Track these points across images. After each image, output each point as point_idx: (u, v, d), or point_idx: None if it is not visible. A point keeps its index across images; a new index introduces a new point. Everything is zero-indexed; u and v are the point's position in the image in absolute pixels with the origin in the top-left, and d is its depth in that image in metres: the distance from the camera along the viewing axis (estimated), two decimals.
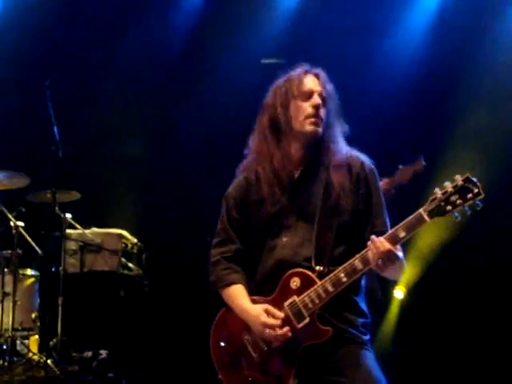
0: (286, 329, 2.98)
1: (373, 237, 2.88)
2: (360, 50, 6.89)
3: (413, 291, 6.74)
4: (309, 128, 3.08)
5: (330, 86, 3.14)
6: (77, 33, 7.15)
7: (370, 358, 3.08)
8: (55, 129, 5.96)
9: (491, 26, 6.77)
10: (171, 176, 7.20)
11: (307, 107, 3.08)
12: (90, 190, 6.69)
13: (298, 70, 3.14)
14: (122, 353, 6.15)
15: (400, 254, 2.91)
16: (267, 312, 3.02)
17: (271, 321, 3.00)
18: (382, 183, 5.40)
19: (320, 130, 3.09)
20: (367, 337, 3.14)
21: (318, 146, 3.13)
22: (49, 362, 5.54)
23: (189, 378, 6.42)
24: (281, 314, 3.00)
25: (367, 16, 6.92)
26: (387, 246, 2.84)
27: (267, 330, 2.99)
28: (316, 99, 3.08)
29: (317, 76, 3.13)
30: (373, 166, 3.19)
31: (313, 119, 3.08)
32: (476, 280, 6.65)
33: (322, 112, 3.09)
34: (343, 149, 3.16)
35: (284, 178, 3.11)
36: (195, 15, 7.32)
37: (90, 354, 5.87)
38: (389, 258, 2.85)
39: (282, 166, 3.10)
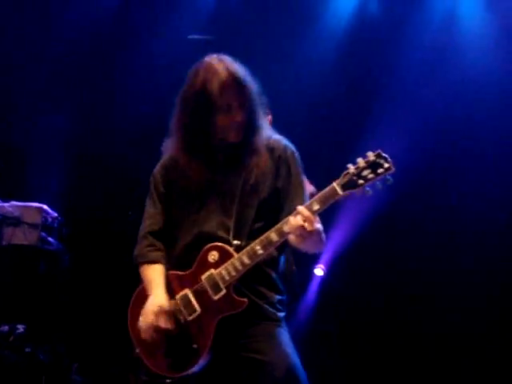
0: (155, 336, 3.07)
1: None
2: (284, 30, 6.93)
3: (333, 269, 6.86)
4: (231, 138, 3.15)
5: (249, 84, 3.13)
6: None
7: (283, 335, 3.16)
8: None
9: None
10: (94, 150, 7.11)
11: (228, 122, 3.10)
12: (9, 162, 6.56)
13: (213, 74, 3.08)
14: (40, 327, 6.08)
15: (319, 225, 2.99)
16: (161, 312, 3.08)
17: (160, 321, 3.07)
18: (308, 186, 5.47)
19: (242, 135, 3.14)
20: (282, 314, 3.22)
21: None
22: None
23: (109, 353, 6.41)
24: (167, 325, 3.07)
25: None
26: (307, 213, 2.91)
27: (148, 319, 3.08)
28: (236, 115, 3.10)
29: (235, 79, 3.09)
30: (294, 149, 3.27)
31: (234, 132, 3.13)
32: (398, 257, 6.81)
33: (243, 117, 3.12)
34: (266, 133, 3.23)
35: (209, 157, 3.16)
36: None
37: (6, 328, 5.77)
38: (307, 230, 2.90)
39: (208, 146, 3.15)
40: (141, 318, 3.13)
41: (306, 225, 2.90)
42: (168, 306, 3.10)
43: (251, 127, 3.16)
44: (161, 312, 3.08)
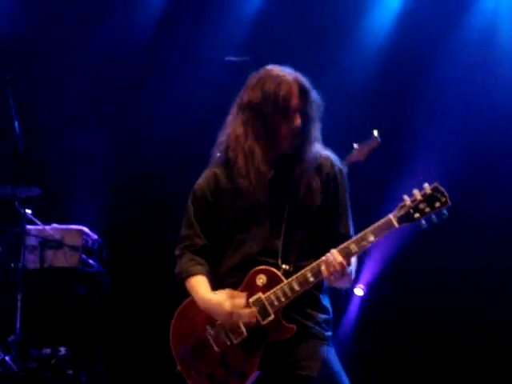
0: (251, 310, 3.00)
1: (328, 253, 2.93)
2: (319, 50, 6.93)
3: (373, 289, 6.81)
4: (286, 146, 3.09)
5: (309, 94, 3.09)
6: (37, 25, 7.08)
7: (330, 353, 3.13)
8: (16, 123, 5.90)
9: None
10: (133, 172, 7.16)
11: (286, 128, 3.06)
12: (50, 185, 6.63)
13: (278, 79, 3.04)
14: (82, 350, 6.11)
15: (350, 268, 2.99)
16: (231, 296, 3.04)
17: (236, 302, 3.02)
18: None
19: (297, 143, 3.10)
20: (329, 333, 3.18)
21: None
22: (7, 359, 5.49)
23: (149, 374, 6.41)
24: (244, 297, 3.02)
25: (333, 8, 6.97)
26: (339, 259, 2.91)
27: (234, 312, 3.01)
28: (296, 121, 3.05)
29: (300, 84, 3.07)
30: (342, 167, 3.23)
31: (291, 140, 3.08)
32: (435, 277, 6.74)
33: (300, 125, 3.07)
34: (316, 149, 3.17)
35: (259, 174, 3.08)
36: (159, 10, 7.31)
37: (48, 350, 5.82)
38: (339, 273, 2.92)
39: (259, 162, 3.07)
40: (213, 326, 3.06)
41: (339, 269, 2.91)
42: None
43: (307, 137, 3.09)
44: (234, 292, 3.04)
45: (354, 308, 6.85)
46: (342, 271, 2.92)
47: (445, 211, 2.88)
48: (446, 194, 2.88)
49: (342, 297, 5.77)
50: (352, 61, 6.97)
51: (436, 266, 6.76)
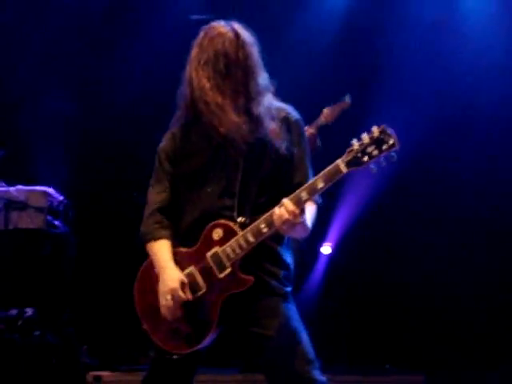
0: (177, 312, 3.06)
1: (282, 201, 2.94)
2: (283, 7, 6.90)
3: (340, 247, 6.87)
4: (235, 99, 3.11)
5: (249, 47, 3.14)
6: None
7: (290, 310, 3.16)
8: None
9: None
10: (99, 132, 7.11)
11: (234, 83, 3.10)
12: (14, 146, 6.56)
13: (223, 36, 3.12)
14: (49, 310, 6.10)
15: (303, 216, 2.97)
16: (182, 285, 3.07)
17: (180, 294, 3.05)
18: (307, 130, 5.46)
19: (243, 96, 3.12)
20: (289, 288, 3.21)
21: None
22: None
23: (118, 333, 6.43)
24: (190, 296, 3.06)
25: None
26: (290, 208, 2.90)
27: (168, 297, 3.06)
28: (238, 76, 3.10)
29: (238, 40, 3.13)
30: (299, 117, 3.23)
31: (238, 94, 3.11)
32: (403, 234, 6.81)
33: (244, 79, 3.11)
34: (268, 100, 3.18)
35: (212, 131, 3.11)
36: None
37: (15, 312, 5.79)
38: (291, 221, 2.91)
39: (213, 121, 3.09)
40: (162, 297, 3.09)
41: (291, 218, 2.90)
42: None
43: (251, 89, 3.12)
44: (184, 285, 3.07)
45: (320, 266, 6.91)
46: (295, 219, 2.91)
47: (393, 154, 2.85)
48: (394, 135, 2.85)
49: (309, 255, 5.83)
50: (316, 19, 6.95)
51: (403, 222, 6.83)
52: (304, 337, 3.11)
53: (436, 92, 6.66)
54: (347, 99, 5.68)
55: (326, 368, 3.21)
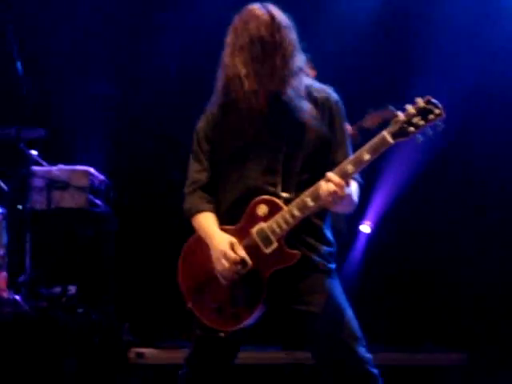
0: (238, 267, 3.04)
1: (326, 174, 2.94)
2: None
3: (380, 226, 6.84)
4: (275, 81, 3.10)
5: (286, 29, 3.11)
6: None
7: (335, 286, 3.16)
8: (18, 64, 5.86)
9: None
10: (139, 113, 7.14)
11: (272, 66, 3.07)
12: (55, 126, 6.62)
13: (258, 19, 3.08)
14: (92, 288, 6.19)
15: (349, 189, 2.97)
16: (231, 245, 3.07)
17: (231, 253, 3.05)
18: (348, 129, 5.45)
19: (283, 78, 3.10)
20: (332, 265, 3.21)
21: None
22: (17, 298, 5.57)
23: (160, 311, 6.50)
24: (243, 253, 3.05)
25: None
26: (337, 180, 2.91)
27: (223, 260, 3.05)
28: (278, 58, 3.07)
29: (274, 23, 3.10)
30: (338, 98, 3.22)
31: (278, 76, 3.09)
32: (442, 212, 6.76)
33: (283, 61, 3.08)
34: (307, 81, 3.19)
35: (252, 110, 3.11)
36: None
37: (58, 289, 5.89)
38: (338, 194, 2.91)
39: (252, 99, 3.09)
40: (217, 263, 3.08)
41: (338, 190, 2.90)
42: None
43: (290, 70, 3.09)
44: (236, 244, 3.07)
45: (360, 245, 6.89)
46: (341, 192, 2.91)
47: (439, 123, 2.85)
48: (440, 105, 2.85)
49: (348, 234, 5.81)
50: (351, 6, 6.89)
51: (443, 202, 6.77)
52: (350, 313, 3.12)
53: (476, 72, 6.55)
54: (392, 109, 5.63)
55: (367, 347, 3.20)
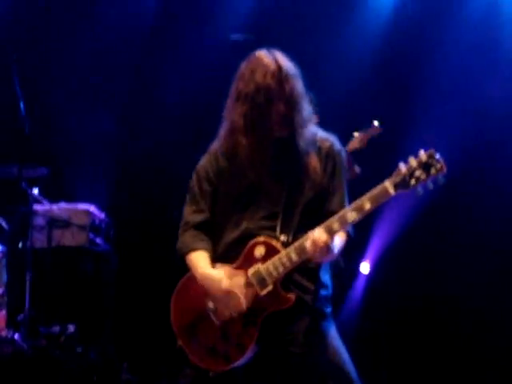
0: (248, 291, 3.05)
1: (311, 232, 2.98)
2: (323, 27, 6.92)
3: (379, 265, 6.83)
4: (278, 131, 3.15)
5: (294, 80, 3.13)
6: (44, 5, 7.08)
7: (331, 329, 3.18)
8: (21, 104, 5.92)
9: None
10: (139, 152, 7.19)
11: (276, 115, 3.11)
12: (57, 165, 6.67)
13: (265, 68, 3.10)
14: (91, 327, 6.17)
15: (333, 245, 3.01)
16: (230, 274, 3.09)
17: (235, 280, 3.07)
18: (351, 142, 5.51)
19: (288, 128, 3.14)
20: (329, 309, 3.23)
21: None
22: (16, 336, 5.56)
23: (158, 350, 6.47)
24: (241, 280, 3.07)
25: None
26: (323, 238, 2.95)
27: (231, 291, 3.06)
28: (282, 107, 3.11)
29: (281, 73, 3.11)
30: (341, 148, 3.28)
31: (282, 126, 3.13)
32: (442, 254, 6.74)
33: (288, 110, 3.13)
34: (313, 130, 3.23)
35: (259, 162, 3.15)
36: None
37: (57, 328, 5.87)
38: (324, 251, 2.97)
39: (258, 150, 3.13)
40: (212, 301, 3.11)
41: (323, 248, 2.95)
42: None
43: (297, 120, 3.13)
44: (232, 274, 3.09)
45: (359, 285, 6.88)
46: (326, 248, 2.96)
47: (441, 177, 2.90)
48: (442, 160, 2.89)
49: (347, 274, 5.80)
50: (352, 44, 6.96)
51: (444, 242, 6.76)
52: (345, 356, 3.14)
53: (483, 98, 6.59)
54: (377, 125, 5.67)
55: None
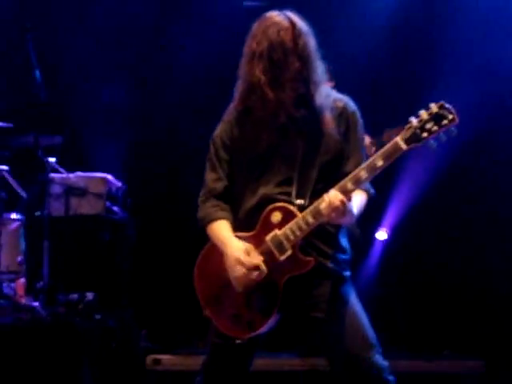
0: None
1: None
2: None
3: (396, 232, 6.82)
4: (293, 87, 3.10)
5: (306, 37, 3.11)
6: None
7: (350, 294, 3.18)
8: (37, 72, 5.91)
9: None
10: (156, 121, 7.19)
11: (291, 71, 3.08)
12: (73, 134, 6.68)
13: (278, 25, 3.07)
14: (109, 295, 6.21)
15: (350, 205, 2.98)
16: (246, 251, 3.09)
17: (246, 259, 3.06)
18: (366, 139, 5.49)
19: (301, 85, 3.11)
20: (347, 272, 3.22)
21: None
22: (35, 304, 5.60)
23: (177, 317, 6.52)
24: (259, 259, 3.06)
25: None
26: (339, 197, 2.92)
27: (238, 267, 3.07)
28: (296, 64, 3.07)
29: (294, 29, 3.09)
30: (355, 109, 3.24)
31: (296, 82, 3.09)
32: (459, 219, 6.73)
33: (301, 67, 3.10)
34: (326, 91, 3.20)
35: (270, 119, 3.12)
36: None
37: (76, 296, 5.91)
38: (340, 211, 2.94)
39: (272, 108, 3.10)
40: (232, 271, 3.10)
41: (339, 207, 2.92)
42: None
43: (310, 78, 3.10)
44: (251, 251, 3.08)
45: (376, 251, 6.88)
46: (342, 208, 2.93)
47: (453, 128, 2.85)
48: (453, 110, 2.85)
49: (363, 239, 5.80)
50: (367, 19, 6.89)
51: (460, 208, 6.75)
52: (365, 321, 3.13)
53: (493, 79, 6.53)
54: (388, 132, 5.63)
55: (384, 354, 3.20)
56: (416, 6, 6.86)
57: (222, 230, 3.20)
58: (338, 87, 3.63)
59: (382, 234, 6.81)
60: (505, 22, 6.62)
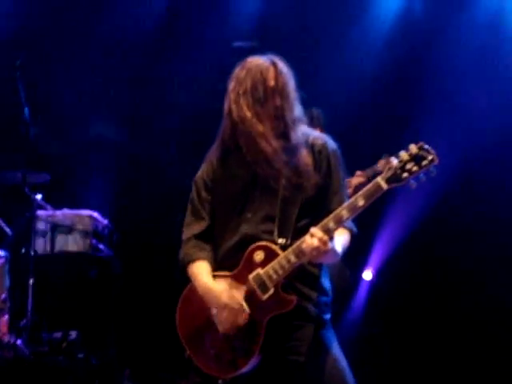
0: (243, 316, 3.06)
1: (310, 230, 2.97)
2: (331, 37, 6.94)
3: (382, 272, 6.82)
4: (273, 125, 3.16)
5: (286, 76, 3.19)
6: (49, 12, 7.09)
7: (329, 337, 3.17)
8: (26, 109, 5.94)
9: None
10: (142, 158, 7.21)
11: (272, 108, 3.15)
12: (60, 171, 6.69)
13: (260, 66, 3.16)
14: (93, 334, 6.17)
15: (332, 244, 2.99)
16: (230, 287, 3.10)
17: (234, 294, 3.07)
18: (356, 175, 5.51)
19: (280, 123, 3.17)
20: (328, 315, 3.22)
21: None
22: (18, 342, 5.56)
23: (159, 357, 6.47)
24: (240, 297, 3.07)
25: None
26: (321, 236, 2.93)
27: (222, 310, 3.08)
28: (276, 101, 3.15)
29: (275, 69, 3.18)
30: (335, 147, 3.27)
31: (275, 120, 3.16)
32: (444, 261, 6.74)
33: (281, 105, 3.17)
34: (304, 129, 3.25)
35: (252, 159, 3.16)
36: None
37: (59, 334, 5.88)
38: (322, 250, 2.94)
39: (254, 149, 3.14)
40: (217, 312, 3.11)
41: (320, 246, 2.93)
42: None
43: (289, 116, 3.16)
44: (233, 291, 3.09)
45: (362, 292, 6.88)
46: (324, 247, 2.93)
47: (433, 169, 2.89)
48: (433, 151, 2.88)
49: (351, 281, 5.81)
50: (358, 47, 6.97)
51: (447, 247, 6.75)
52: (343, 364, 3.13)
53: (488, 102, 6.58)
54: (383, 160, 5.68)
55: None
56: (400, 53, 6.94)
57: (201, 272, 3.22)
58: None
59: (368, 274, 6.82)
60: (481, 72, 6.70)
